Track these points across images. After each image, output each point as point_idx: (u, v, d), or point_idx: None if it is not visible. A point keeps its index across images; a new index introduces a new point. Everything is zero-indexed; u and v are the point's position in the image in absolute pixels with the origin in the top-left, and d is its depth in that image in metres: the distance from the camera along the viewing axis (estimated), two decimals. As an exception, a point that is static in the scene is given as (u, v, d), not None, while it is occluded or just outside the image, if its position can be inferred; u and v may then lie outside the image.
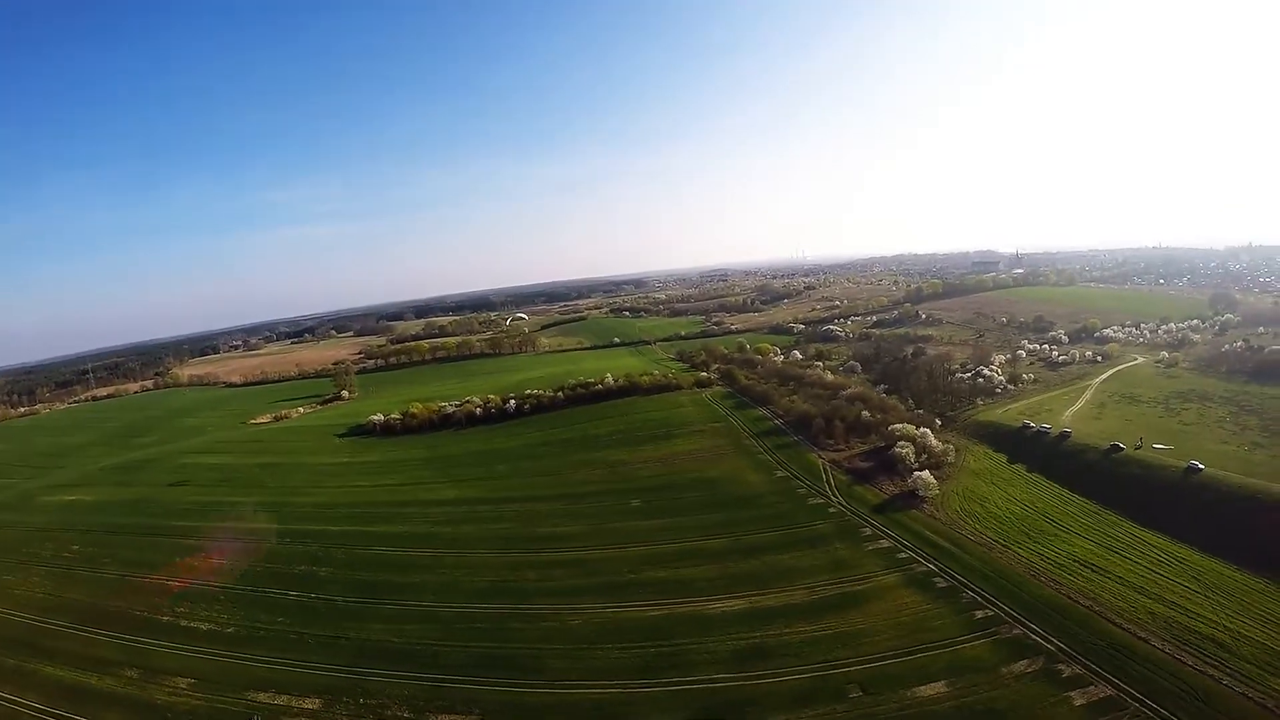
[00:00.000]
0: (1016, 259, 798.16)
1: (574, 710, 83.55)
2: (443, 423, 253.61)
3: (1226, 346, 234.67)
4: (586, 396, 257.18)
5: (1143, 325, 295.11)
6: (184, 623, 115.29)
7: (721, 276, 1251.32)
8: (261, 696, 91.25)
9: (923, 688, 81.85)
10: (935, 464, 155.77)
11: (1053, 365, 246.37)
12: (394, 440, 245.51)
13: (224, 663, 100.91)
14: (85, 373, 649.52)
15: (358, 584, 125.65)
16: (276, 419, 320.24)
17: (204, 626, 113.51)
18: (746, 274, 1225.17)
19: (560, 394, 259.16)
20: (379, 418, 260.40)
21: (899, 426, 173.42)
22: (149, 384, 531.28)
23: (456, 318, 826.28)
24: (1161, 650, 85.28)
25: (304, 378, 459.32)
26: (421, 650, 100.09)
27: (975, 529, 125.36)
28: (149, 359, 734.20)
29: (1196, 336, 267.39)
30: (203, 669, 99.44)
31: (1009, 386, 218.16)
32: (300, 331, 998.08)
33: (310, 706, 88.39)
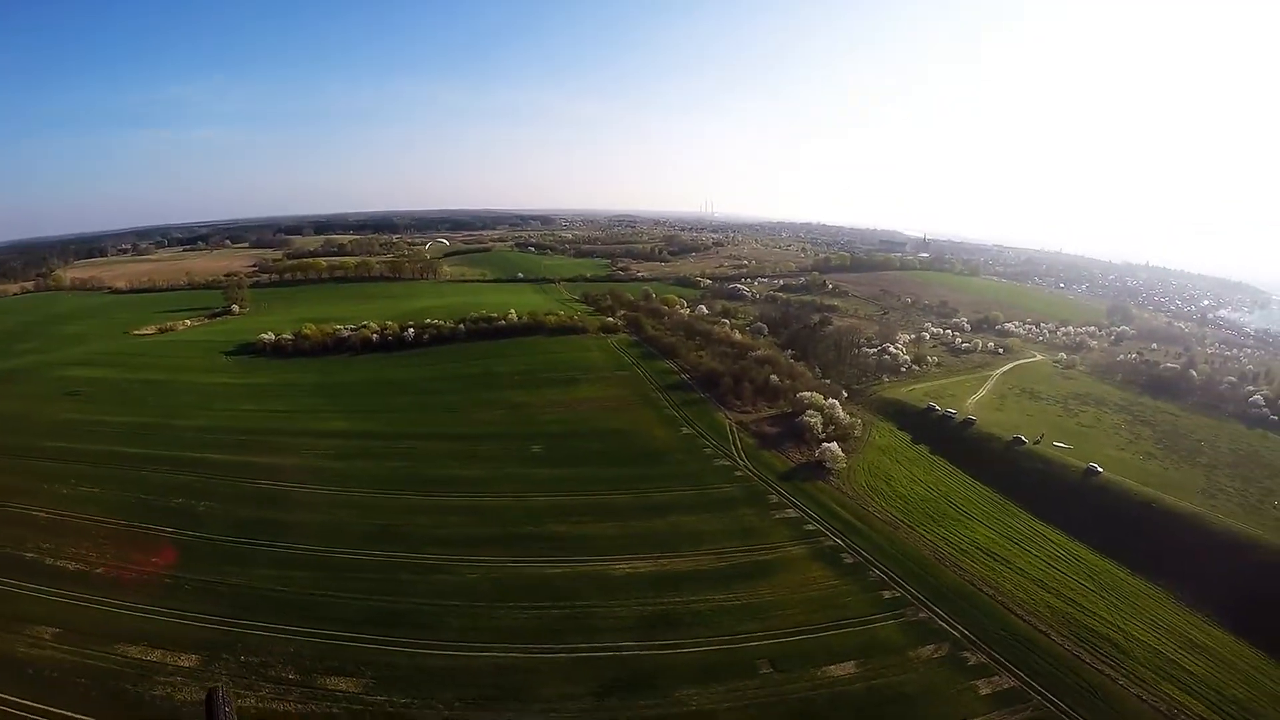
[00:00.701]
0: (923, 243, 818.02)
1: (474, 675, 77.55)
2: (336, 346, 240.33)
3: (1122, 356, 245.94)
4: (489, 331, 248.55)
5: (1043, 324, 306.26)
6: (49, 560, 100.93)
7: (629, 222, 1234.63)
8: (133, 650, 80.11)
9: (833, 667, 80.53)
10: (842, 436, 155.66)
11: (955, 351, 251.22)
12: (284, 362, 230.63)
13: (92, 610, 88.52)
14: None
15: (239, 522, 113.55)
16: (161, 330, 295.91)
17: (71, 566, 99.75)
18: (655, 223, 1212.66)
19: (462, 326, 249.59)
20: (269, 337, 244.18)
21: (808, 395, 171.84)
22: (30, 285, 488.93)
23: (357, 237, 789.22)
24: (1061, 645, 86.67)
25: (193, 288, 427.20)
26: (307, 601, 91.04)
27: (881, 506, 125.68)
28: (32, 258, 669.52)
29: (1094, 343, 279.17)
30: (69, 617, 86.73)
31: (914, 367, 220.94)
32: (193, 239, 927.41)
33: (187, 664, 78.04)
